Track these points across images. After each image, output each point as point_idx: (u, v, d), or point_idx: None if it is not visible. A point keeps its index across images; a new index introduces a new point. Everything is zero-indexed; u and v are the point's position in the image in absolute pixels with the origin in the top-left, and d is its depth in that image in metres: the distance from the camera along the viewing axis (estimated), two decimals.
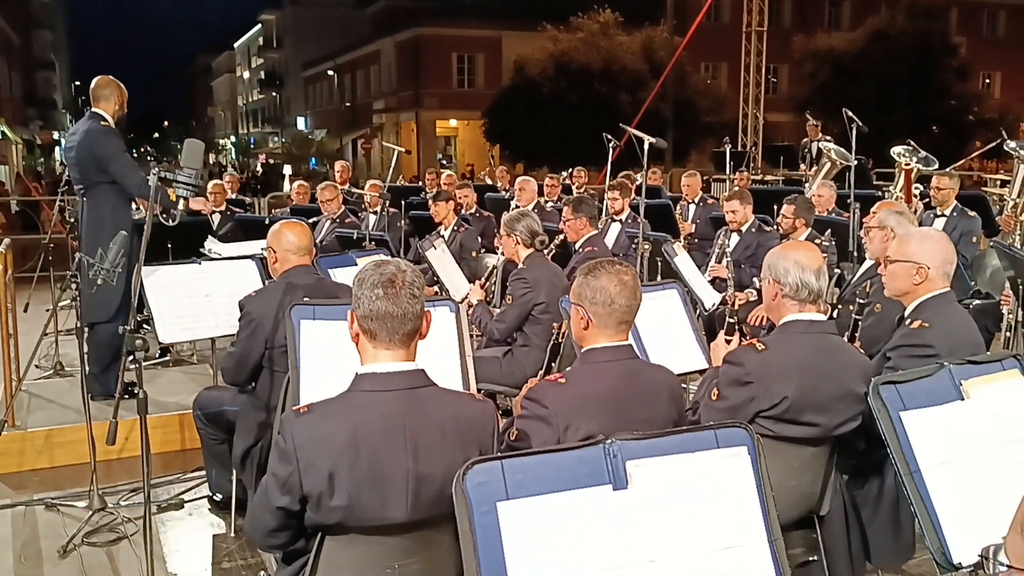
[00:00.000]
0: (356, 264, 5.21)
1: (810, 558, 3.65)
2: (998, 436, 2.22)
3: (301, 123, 54.80)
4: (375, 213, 8.10)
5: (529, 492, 1.78)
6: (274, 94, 59.93)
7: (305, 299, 3.54)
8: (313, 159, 47.05)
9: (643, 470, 1.84)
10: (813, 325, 3.03)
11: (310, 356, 3.33)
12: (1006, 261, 5.46)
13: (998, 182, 13.05)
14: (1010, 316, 5.55)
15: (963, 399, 2.21)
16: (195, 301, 4.77)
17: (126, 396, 3.89)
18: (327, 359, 3.24)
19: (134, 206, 5.35)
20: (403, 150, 11.32)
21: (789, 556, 3.87)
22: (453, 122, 40.43)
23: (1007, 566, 0.95)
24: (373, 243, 6.41)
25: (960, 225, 6.70)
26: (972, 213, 6.87)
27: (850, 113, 6.98)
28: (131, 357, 2.94)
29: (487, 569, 1.71)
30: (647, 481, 1.84)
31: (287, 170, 39.06)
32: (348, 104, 47.22)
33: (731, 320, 3.48)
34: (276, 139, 58.50)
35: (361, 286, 2.31)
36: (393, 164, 11.24)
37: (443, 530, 2.32)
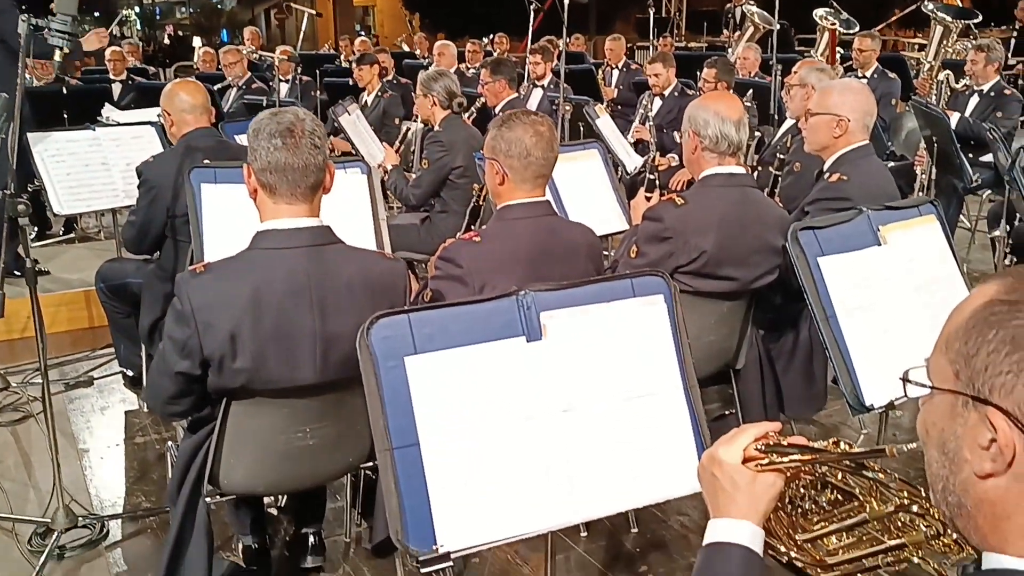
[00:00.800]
0: None
1: (726, 411, 3.73)
2: (913, 281, 2.21)
3: None
4: (287, 81, 7.72)
5: (439, 346, 1.70)
6: None
7: (205, 162, 3.35)
8: (224, 31, 44.80)
9: (557, 321, 1.78)
10: (732, 178, 2.97)
11: (213, 222, 3.15)
12: (923, 120, 5.48)
13: (916, 46, 13.10)
14: (923, 176, 5.62)
15: (880, 244, 2.19)
16: (91, 171, 4.50)
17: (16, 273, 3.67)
18: (232, 225, 3.07)
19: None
20: (314, 12, 10.72)
21: (706, 411, 3.96)
22: None
23: (929, 387, 0.90)
24: None
25: (880, 87, 6.68)
26: (892, 75, 6.86)
27: None
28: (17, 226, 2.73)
29: (395, 425, 1.65)
30: (561, 332, 1.78)
31: (197, 42, 37.14)
32: None
33: (651, 177, 3.41)
34: (184, 9, 55.40)
35: (257, 136, 2.14)
36: (304, 30, 10.69)
37: (356, 392, 2.22)
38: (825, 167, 3.46)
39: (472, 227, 3.67)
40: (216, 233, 3.12)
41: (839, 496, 1.30)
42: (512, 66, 5.84)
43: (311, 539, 2.84)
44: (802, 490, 1.33)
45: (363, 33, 37.43)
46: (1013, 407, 0.82)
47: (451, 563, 1.62)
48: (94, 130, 4.66)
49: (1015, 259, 4.83)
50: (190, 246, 3.22)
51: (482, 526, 1.67)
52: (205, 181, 3.16)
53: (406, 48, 13.20)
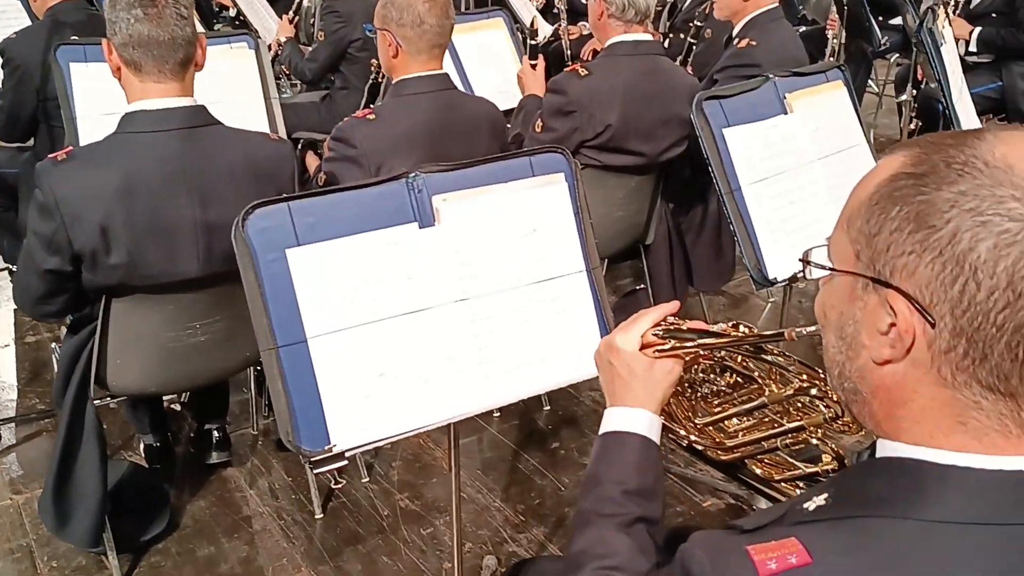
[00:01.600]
0: None
1: (636, 287, 3.72)
2: (819, 151, 2.16)
3: None
4: None
5: (323, 236, 1.58)
6: None
7: (74, 38, 3.06)
8: None
9: (451, 204, 1.67)
10: (639, 46, 2.85)
11: (87, 105, 2.90)
12: None
13: None
14: (834, 41, 5.56)
15: (787, 113, 2.11)
16: None
17: None
18: (108, 108, 2.83)
19: None
20: None
21: (616, 286, 3.95)
22: None
23: (828, 268, 0.83)
24: None
25: None
26: None
27: None
28: None
29: (279, 322, 1.54)
30: (456, 216, 1.68)
31: None
32: None
33: (533, 43, 3.26)
34: None
35: (115, 7, 1.93)
36: None
37: None
38: (734, 32, 3.36)
39: (371, 105, 3.48)
40: (91, 117, 2.87)
41: (738, 379, 1.27)
42: None
43: (215, 434, 2.75)
44: (701, 374, 1.29)
45: None
46: (915, 290, 0.75)
47: (345, 461, 1.56)
48: None
49: (921, 123, 4.85)
50: None
51: (378, 421, 1.60)
52: (74, 60, 2.88)
53: None
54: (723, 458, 1.28)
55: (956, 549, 0.73)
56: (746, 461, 1.28)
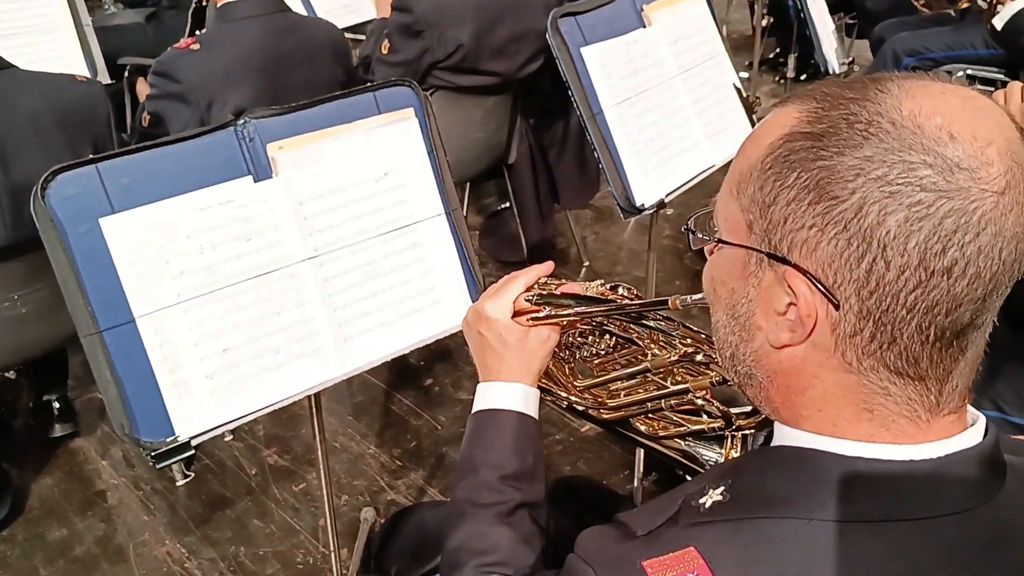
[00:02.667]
0: None
1: (501, 205, 3.61)
2: (680, 63, 2.06)
3: None
4: None
5: (142, 199, 1.38)
6: None
7: None
8: None
9: (289, 153, 1.49)
10: None
11: None
12: None
13: None
14: None
15: (645, 26, 2.00)
16: None
17: None
18: None
19: None
20: None
21: (482, 205, 3.83)
22: None
23: (718, 240, 0.73)
24: None
25: None
26: None
27: None
28: None
29: (100, 303, 1.35)
30: (295, 165, 1.50)
31: None
32: None
33: None
34: None
35: None
36: None
37: None
38: None
39: (198, 31, 3.17)
40: None
41: (619, 342, 1.17)
42: None
43: (56, 405, 2.52)
44: (579, 338, 1.19)
45: None
46: (817, 268, 0.66)
47: (193, 451, 1.40)
48: None
49: (772, 20, 4.85)
50: None
51: (227, 402, 1.44)
52: None
53: None
54: (606, 417, 1.20)
55: (866, 551, 0.66)
56: (630, 420, 1.20)
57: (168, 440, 1.39)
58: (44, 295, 2.00)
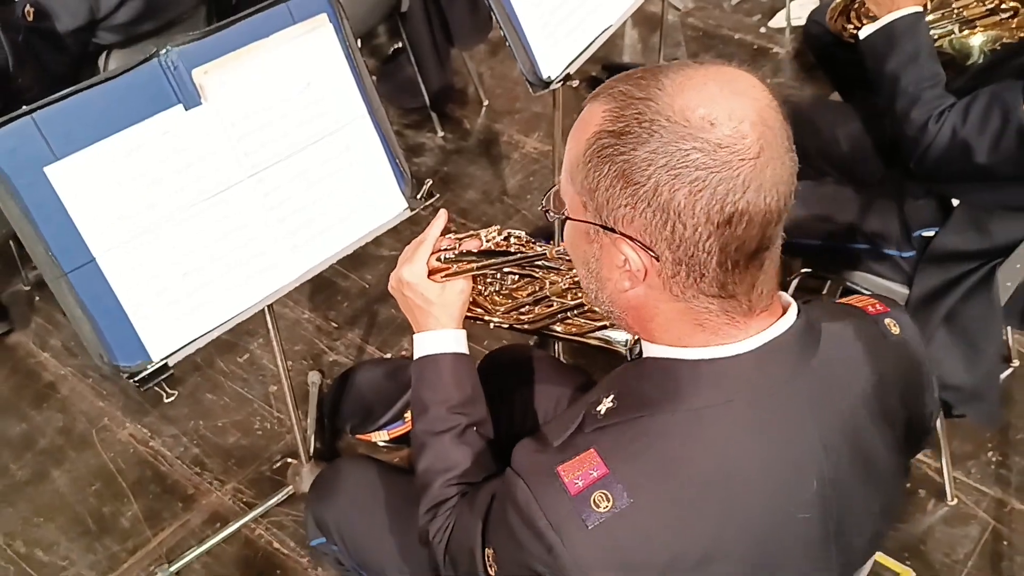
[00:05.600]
0: None
1: (395, 46, 3.59)
2: None
3: None
4: None
5: (82, 143, 1.42)
6: None
7: None
8: None
9: (214, 76, 1.53)
10: None
11: None
12: None
13: None
14: None
15: None
16: None
17: None
18: None
19: None
20: None
21: (374, 47, 3.80)
22: None
23: (566, 217, 0.95)
24: None
25: None
26: None
27: None
28: None
29: (60, 247, 1.42)
30: (222, 87, 1.54)
31: None
32: None
33: None
34: None
35: None
36: None
37: None
38: None
39: None
40: None
41: (523, 279, 1.37)
42: None
43: None
44: (489, 279, 1.37)
45: None
46: (636, 234, 0.86)
47: (171, 371, 1.53)
48: None
49: None
50: None
51: (193, 321, 1.56)
52: None
53: None
54: (528, 328, 1.40)
55: (721, 426, 0.89)
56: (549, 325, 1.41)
57: (145, 363, 1.51)
58: None
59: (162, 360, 1.53)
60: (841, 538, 0.96)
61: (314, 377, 2.45)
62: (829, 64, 2.55)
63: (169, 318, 1.53)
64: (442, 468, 1.23)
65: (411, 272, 1.31)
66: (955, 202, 1.88)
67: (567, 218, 0.95)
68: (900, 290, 1.94)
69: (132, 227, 1.48)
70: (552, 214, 0.98)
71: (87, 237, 1.44)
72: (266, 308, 1.87)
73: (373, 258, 2.82)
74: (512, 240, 1.29)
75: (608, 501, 0.86)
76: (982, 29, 2.05)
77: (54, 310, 2.68)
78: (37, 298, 2.73)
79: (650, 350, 0.96)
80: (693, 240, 0.84)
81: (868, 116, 2.17)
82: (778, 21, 3.93)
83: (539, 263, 1.28)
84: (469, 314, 1.38)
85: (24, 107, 1.37)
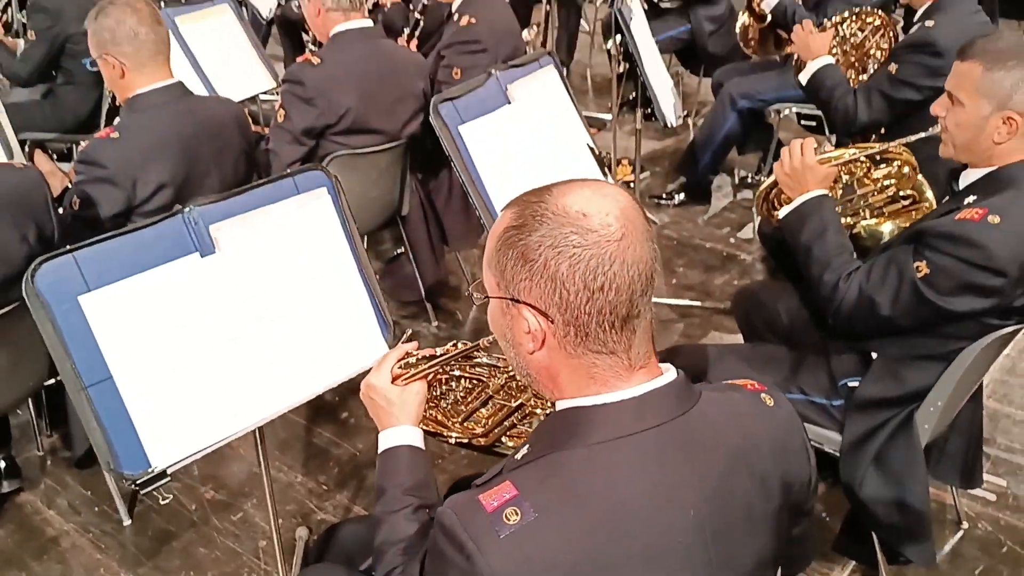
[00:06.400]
0: None
1: (398, 251, 3.98)
2: (538, 130, 2.48)
3: None
4: None
5: (112, 279, 1.70)
6: None
7: None
8: None
9: (227, 232, 1.84)
10: (364, 32, 3.09)
11: None
12: None
13: None
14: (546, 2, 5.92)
15: (509, 102, 2.41)
16: None
17: None
18: None
19: None
20: None
21: (379, 251, 4.19)
22: None
23: (485, 296, 1.20)
24: None
25: None
26: None
27: None
28: None
29: (84, 364, 1.67)
30: (233, 241, 1.84)
31: None
32: None
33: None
34: None
35: None
36: None
37: (22, 316, 2.16)
38: (454, 8, 3.65)
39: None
40: None
41: (471, 383, 1.64)
42: None
43: (1, 463, 2.75)
44: (443, 387, 1.65)
45: None
46: (535, 302, 1.11)
47: (168, 478, 1.73)
48: None
49: (628, 66, 5.35)
50: None
51: (192, 436, 1.77)
52: None
53: None
54: (482, 443, 1.65)
55: (612, 458, 1.09)
56: (502, 439, 1.65)
57: (147, 471, 1.71)
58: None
59: (163, 468, 1.72)
60: (724, 566, 1.13)
61: (301, 532, 2.60)
62: (779, 256, 2.89)
63: (171, 432, 1.74)
64: (396, 540, 1.42)
65: (377, 378, 1.58)
66: (874, 355, 2.12)
67: (487, 297, 1.20)
68: (833, 436, 2.14)
69: (146, 353, 1.73)
70: (477, 296, 1.23)
71: (107, 357, 1.69)
72: (262, 464, 2.09)
73: (365, 429, 3.03)
74: (459, 345, 1.57)
75: (517, 516, 1.06)
76: (889, 218, 2.38)
77: (64, 473, 2.87)
78: (49, 462, 2.93)
79: (560, 404, 1.17)
80: (576, 304, 1.08)
81: (804, 292, 2.46)
82: (745, 233, 4.34)
83: (476, 356, 1.53)
84: (431, 430, 1.63)
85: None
